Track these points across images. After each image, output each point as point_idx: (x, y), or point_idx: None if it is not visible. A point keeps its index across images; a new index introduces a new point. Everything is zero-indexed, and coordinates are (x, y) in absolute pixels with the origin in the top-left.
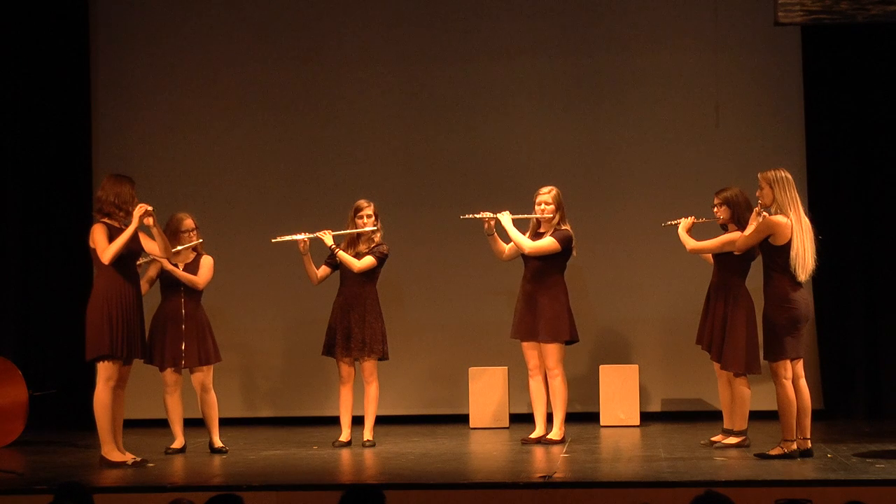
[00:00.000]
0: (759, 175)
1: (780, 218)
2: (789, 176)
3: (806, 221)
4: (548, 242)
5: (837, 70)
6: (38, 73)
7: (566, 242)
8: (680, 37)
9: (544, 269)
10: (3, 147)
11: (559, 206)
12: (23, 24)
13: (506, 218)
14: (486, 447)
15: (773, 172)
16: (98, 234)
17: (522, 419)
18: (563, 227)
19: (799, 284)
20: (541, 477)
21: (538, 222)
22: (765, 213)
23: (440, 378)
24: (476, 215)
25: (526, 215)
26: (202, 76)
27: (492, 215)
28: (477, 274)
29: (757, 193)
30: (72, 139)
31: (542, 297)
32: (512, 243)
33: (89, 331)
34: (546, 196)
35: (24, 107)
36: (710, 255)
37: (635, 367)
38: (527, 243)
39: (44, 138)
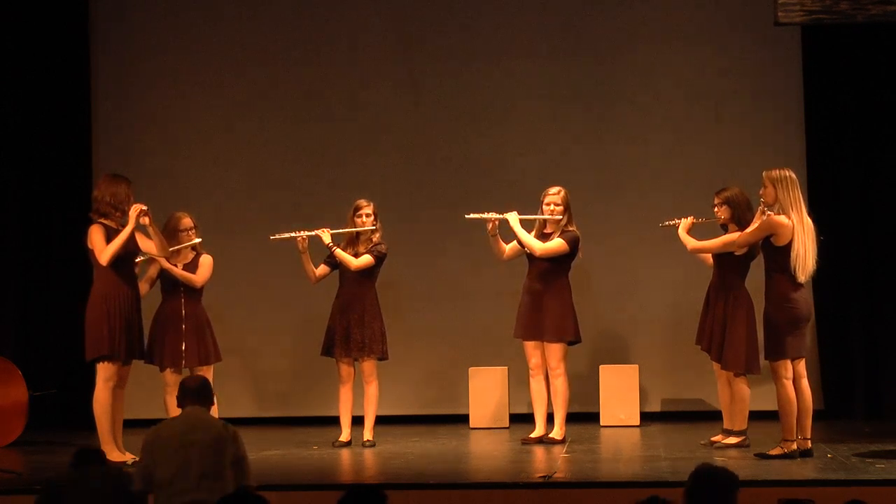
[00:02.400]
0: (763, 173)
1: (782, 218)
2: (793, 176)
3: (808, 222)
4: (557, 244)
5: (837, 70)
6: (39, 74)
7: (574, 244)
8: (680, 37)
9: (550, 270)
10: (2, 147)
11: (567, 206)
12: (23, 23)
13: (513, 218)
14: (486, 447)
15: (776, 171)
16: (95, 235)
17: (522, 419)
18: (571, 228)
19: (800, 284)
20: (541, 477)
21: (544, 223)
22: (769, 213)
23: (440, 378)
24: (482, 215)
25: (534, 216)
26: (202, 77)
27: (498, 216)
28: (477, 274)
29: (760, 192)
30: (72, 139)
31: (548, 297)
32: (513, 244)
33: (88, 331)
34: (555, 197)
35: (24, 107)
36: (710, 255)
37: (635, 367)
38: (537, 245)
39: (44, 139)
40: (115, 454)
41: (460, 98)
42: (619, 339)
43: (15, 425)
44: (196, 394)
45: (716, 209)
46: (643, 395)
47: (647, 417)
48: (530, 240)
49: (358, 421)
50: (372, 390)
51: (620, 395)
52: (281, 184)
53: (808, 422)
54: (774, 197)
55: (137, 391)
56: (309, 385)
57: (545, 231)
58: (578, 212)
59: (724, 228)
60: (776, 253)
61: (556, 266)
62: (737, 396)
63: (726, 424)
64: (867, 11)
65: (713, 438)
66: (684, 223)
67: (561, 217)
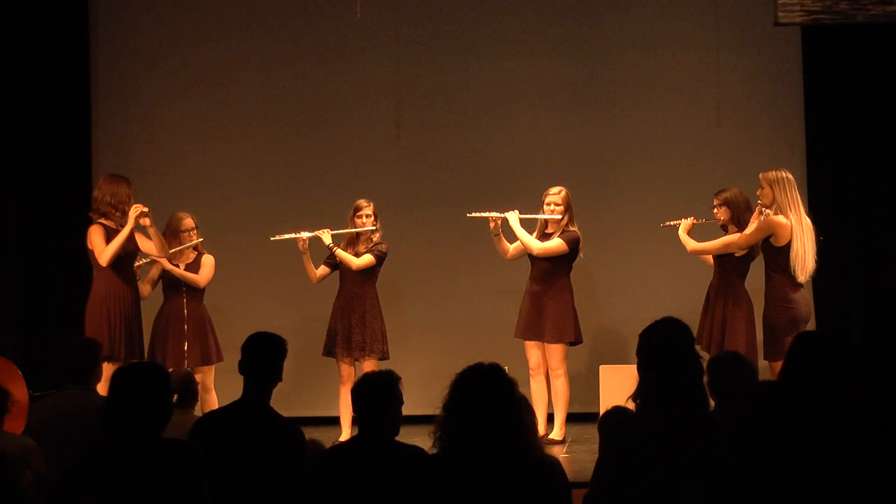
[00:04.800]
0: (760, 175)
1: (780, 219)
2: (790, 176)
3: (807, 222)
4: (556, 244)
5: (837, 70)
6: (39, 73)
7: (574, 244)
8: (680, 37)
9: (551, 270)
10: (2, 147)
11: (568, 206)
12: (23, 23)
13: (513, 217)
14: None
15: (773, 173)
16: (95, 236)
17: None
18: (571, 229)
19: (799, 285)
20: None
21: (545, 222)
22: (767, 212)
23: (441, 378)
24: (483, 214)
25: (535, 215)
26: (202, 76)
27: (499, 214)
28: (477, 274)
29: (758, 193)
30: (72, 139)
31: (549, 298)
32: (517, 243)
33: (88, 332)
34: (556, 196)
35: (24, 106)
36: (711, 256)
37: (635, 367)
38: (535, 244)
39: (44, 138)
40: None
41: (461, 97)
42: (619, 339)
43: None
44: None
45: (715, 210)
46: None
47: None
48: (529, 239)
49: None
50: None
51: (620, 395)
52: (281, 184)
53: None
54: (772, 198)
55: None
56: (309, 385)
57: (547, 231)
58: (579, 212)
59: (724, 229)
60: (775, 253)
61: (556, 266)
62: None
63: None
64: (867, 11)
65: None
66: (684, 224)
67: (561, 217)
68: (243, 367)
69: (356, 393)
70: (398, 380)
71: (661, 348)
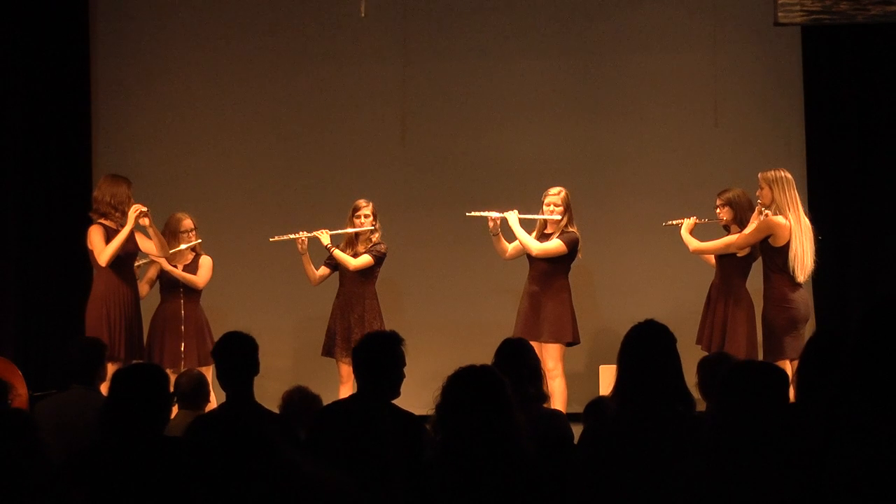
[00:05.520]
0: (759, 175)
1: (779, 219)
2: (789, 176)
3: (806, 222)
4: (555, 245)
5: (837, 70)
6: (38, 73)
7: (572, 245)
8: (680, 37)
9: (549, 271)
10: (2, 147)
11: (567, 207)
12: (23, 22)
13: (513, 217)
14: None
15: (772, 172)
16: (95, 236)
17: None
18: (570, 230)
19: (798, 285)
20: None
21: (545, 223)
22: (767, 213)
23: (440, 378)
24: (483, 213)
25: (534, 215)
26: (202, 76)
27: (498, 214)
28: (477, 273)
29: (757, 193)
30: (72, 139)
31: (546, 299)
32: (516, 243)
33: (88, 332)
34: (555, 197)
35: (24, 106)
36: (712, 255)
37: None
38: (533, 245)
39: (44, 138)
40: None
41: (461, 97)
42: (618, 339)
43: None
44: (187, 396)
45: (718, 210)
46: None
47: None
48: (528, 239)
49: None
50: None
51: None
52: (281, 184)
53: None
54: (771, 198)
55: None
56: (309, 385)
57: (546, 231)
58: (579, 212)
59: (727, 229)
60: (774, 253)
61: (554, 267)
62: None
63: None
64: (867, 11)
65: None
66: (687, 223)
67: (560, 217)
68: (222, 373)
69: (356, 351)
70: (401, 341)
71: (640, 350)
